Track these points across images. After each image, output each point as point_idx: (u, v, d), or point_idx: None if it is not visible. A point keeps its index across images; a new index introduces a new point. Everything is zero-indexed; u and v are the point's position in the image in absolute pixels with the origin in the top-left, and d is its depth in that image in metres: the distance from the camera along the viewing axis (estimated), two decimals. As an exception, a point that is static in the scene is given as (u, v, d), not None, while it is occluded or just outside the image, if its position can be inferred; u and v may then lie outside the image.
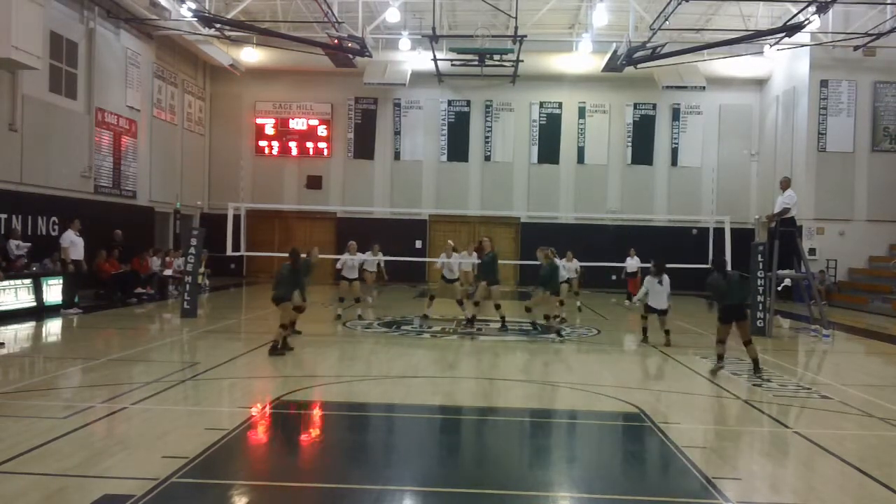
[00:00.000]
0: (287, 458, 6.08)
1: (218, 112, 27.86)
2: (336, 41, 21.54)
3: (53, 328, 13.38)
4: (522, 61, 23.53)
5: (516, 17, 20.49)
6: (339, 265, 15.47)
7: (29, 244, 15.81)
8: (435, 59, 24.04)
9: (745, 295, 10.65)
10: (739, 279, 10.36)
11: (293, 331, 11.79)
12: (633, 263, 20.25)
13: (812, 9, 18.61)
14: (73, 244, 15.22)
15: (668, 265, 19.68)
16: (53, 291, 15.38)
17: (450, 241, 16.26)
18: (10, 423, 6.51)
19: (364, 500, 4.95)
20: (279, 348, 10.57)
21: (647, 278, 12.86)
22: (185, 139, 25.67)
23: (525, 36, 21.57)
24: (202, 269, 17.45)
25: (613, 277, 25.10)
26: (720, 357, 10.26)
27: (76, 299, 15.30)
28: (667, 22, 19.77)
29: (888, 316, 18.95)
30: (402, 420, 7.47)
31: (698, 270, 18.24)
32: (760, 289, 13.96)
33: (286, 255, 11.52)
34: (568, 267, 18.16)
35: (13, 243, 15.40)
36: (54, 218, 17.43)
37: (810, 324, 14.97)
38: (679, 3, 18.71)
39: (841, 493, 5.33)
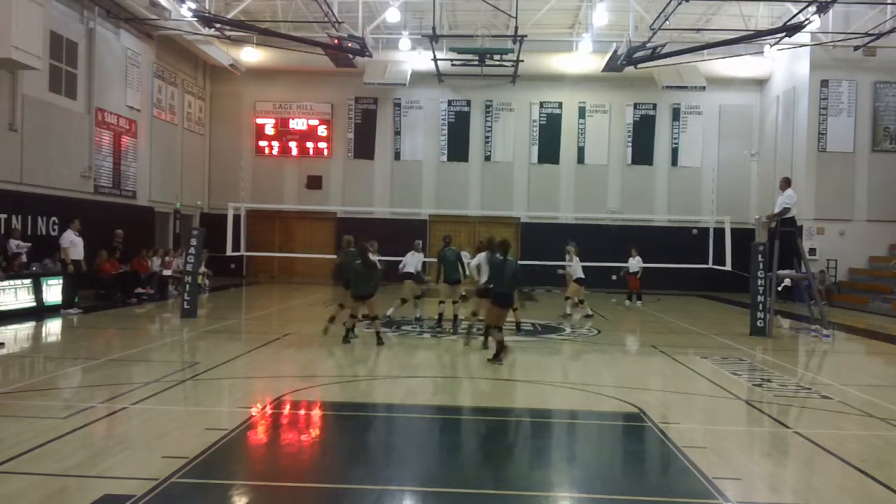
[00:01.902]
0: (287, 458, 6.07)
1: (218, 112, 27.86)
2: (336, 41, 21.54)
3: (53, 328, 13.38)
4: (522, 61, 23.53)
5: (516, 17, 20.49)
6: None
7: (29, 244, 15.81)
8: (435, 59, 24.04)
9: (514, 286, 10.73)
10: (515, 270, 10.48)
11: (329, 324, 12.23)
12: (634, 263, 20.28)
13: (812, 9, 18.61)
14: (73, 244, 15.17)
15: (668, 265, 19.84)
16: (53, 291, 15.38)
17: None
18: (10, 423, 6.51)
19: (364, 500, 4.95)
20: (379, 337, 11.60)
21: (485, 254, 10.94)
22: (185, 139, 25.68)
23: (525, 36, 21.57)
24: (202, 269, 17.44)
25: (614, 277, 25.10)
26: (501, 343, 10.19)
27: (76, 299, 15.30)
28: (667, 22, 19.77)
29: (888, 316, 18.95)
30: (402, 420, 7.47)
31: (698, 270, 18.34)
32: (761, 289, 13.94)
33: (286, 255, 11.62)
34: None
35: (13, 243, 15.41)
36: (54, 218, 17.43)
37: (810, 324, 14.96)
38: (679, 3, 18.71)
39: (841, 494, 5.33)
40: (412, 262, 14.96)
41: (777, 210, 14.44)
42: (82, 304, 15.77)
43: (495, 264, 10.33)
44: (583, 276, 17.27)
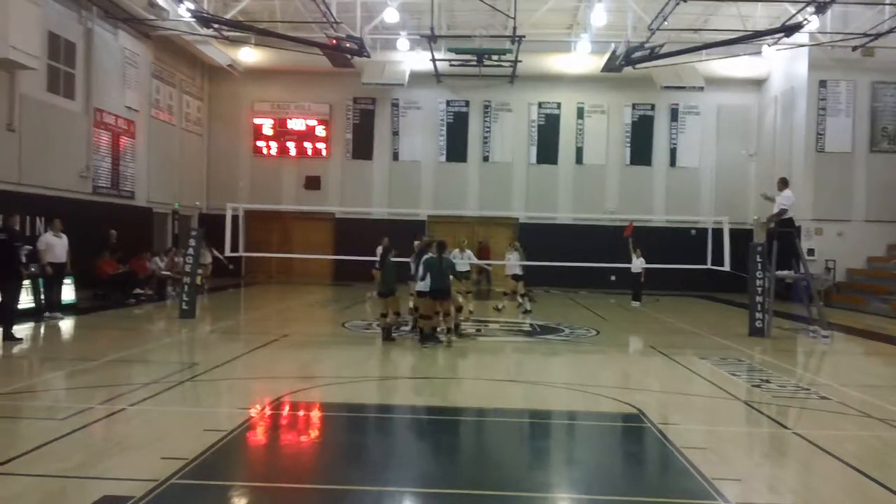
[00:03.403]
0: (286, 459, 6.07)
1: (216, 112, 27.84)
2: (334, 41, 21.54)
3: (52, 329, 13.33)
4: (521, 61, 23.53)
5: (514, 18, 20.50)
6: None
7: (29, 247, 15.60)
8: (433, 60, 24.04)
9: (450, 280, 12.11)
10: (448, 266, 12.05)
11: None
12: (638, 263, 20.25)
13: (810, 9, 18.63)
14: (50, 246, 14.18)
15: (667, 265, 19.82)
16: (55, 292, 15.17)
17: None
18: (10, 424, 6.51)
19: (363, 501, 4.95)
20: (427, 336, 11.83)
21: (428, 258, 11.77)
22: (183, 139, 25.66)
23: (523, 36, 21.58)
24: (199, 270, 17.35)
25: (613, 278, 25.13)
26: (434, 329, 11.79)
27: (61, 302, 14.65)
28: (665, 22, 19.77)
29: (886, 316, 18.96)
30: (402, 421, 7.47)
31: (697, 271, 18.31)
32: (759, 289, 13.94)
33: (284, 256, 11.67)
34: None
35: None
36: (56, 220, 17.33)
37: (809, 324, 14.96)
38: (677, 4, 18.71)
39: (840, 494, 5.34)
40: (460, 263, 15.02)
41: (775, 211, 14.45)
42: (81, 304, 15.71)
43: (431, 263, 11.66)
44: (520, 273, 17.32)
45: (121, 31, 21.13)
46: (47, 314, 14.10)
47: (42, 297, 14.53)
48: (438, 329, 12.13)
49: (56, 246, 14.29)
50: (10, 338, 11.32)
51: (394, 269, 12.33)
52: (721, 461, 5.95)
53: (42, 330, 13.16)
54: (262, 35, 23.05)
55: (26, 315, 14.21)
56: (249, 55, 25.63)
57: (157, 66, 23.48)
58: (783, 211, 14.24)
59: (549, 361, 11.36)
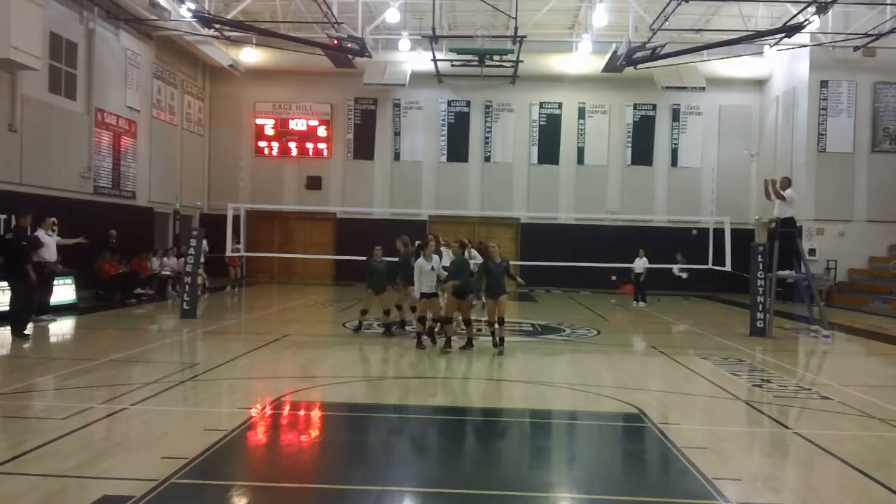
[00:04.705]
0: (287, 458, 6.07)
1: (217, 112, 27.86)
2: (336, 41, 21.55)
3: (52, 328, 13.34)
4: (522, 62, 23.53)
5: (516, 18, 20.50)
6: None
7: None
8: (435, 60, 24.05)
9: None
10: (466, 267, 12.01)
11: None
12: (640, 264, 20.22)
13: (812, 9, 18.62)
14: (44, 245, 13.66)
15: (667, 266, 19.85)
16: (58, 291, 15.18)
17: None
18: (10, 424, 6.52)
19: (364, 501, 4.95)
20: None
21: (420, 261, 11.62)
22: (184, 140, 25.68)
23: (525, 36, 21.58)
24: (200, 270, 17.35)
25: (613, 278, 25.13)
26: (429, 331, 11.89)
27: (50, 304, 14.13)
28: (667, 22, 19.77)
29: (888, 316, 18.94)
30: (402, 420, 7.47)
31: (698, 271, 18.35)
32: (760, 289, 13.93)
33: (285, 255, 11.66)
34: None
35: None
36: (53, 219, 17.35)
37: (810, 324, 14.96)
38: (679, 4, 18.71)
39: (841, 494, 5.33)
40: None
41: (787, 200, 14.31)
42: (82, 304, 15.68)
43: (461, 264, 11.73)
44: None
45: (122, 32, 21.15)
46: (33, 317, 13.04)
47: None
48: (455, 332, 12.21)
49: (49, 245, 13.91)
50: (19, 336, 11.47)
51: (382, 267, 12.84)
52: (721, 461, 5.95)
53: (39, 331, 13.16)
54: (264, 35, 23.08)
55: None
56: (251, 55, 25.67)
57: (158, 66, 23.51)
58: (791, 201, 14.26)
59: (549, 361, 11.36)
